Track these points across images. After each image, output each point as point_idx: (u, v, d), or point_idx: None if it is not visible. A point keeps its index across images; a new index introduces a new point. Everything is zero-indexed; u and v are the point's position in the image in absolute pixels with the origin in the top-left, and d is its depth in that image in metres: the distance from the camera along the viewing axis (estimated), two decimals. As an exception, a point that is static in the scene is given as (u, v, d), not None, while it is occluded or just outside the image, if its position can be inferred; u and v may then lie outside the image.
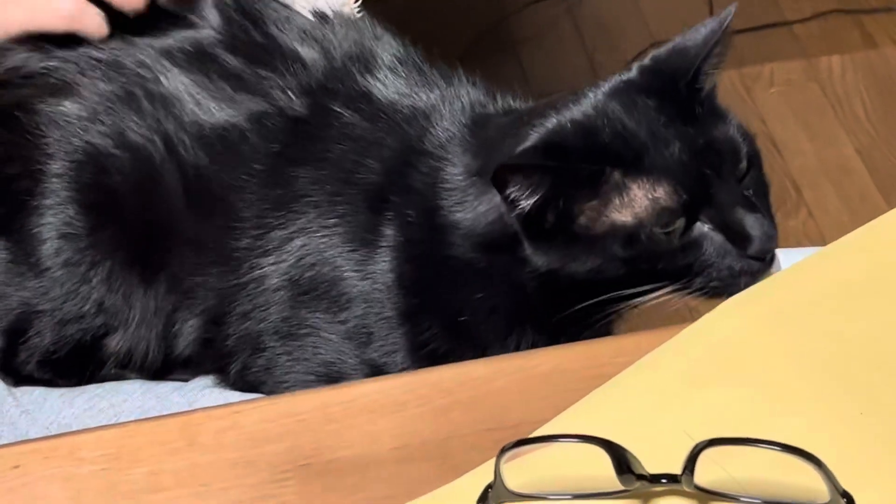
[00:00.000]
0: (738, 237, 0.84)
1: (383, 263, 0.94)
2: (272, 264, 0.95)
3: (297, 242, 0.95)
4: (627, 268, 0.86)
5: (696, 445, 0.63)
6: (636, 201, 0.85)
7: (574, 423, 0.71)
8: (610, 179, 0.85)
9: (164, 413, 0.94)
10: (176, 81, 0.97)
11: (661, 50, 0.92)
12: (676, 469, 0.64)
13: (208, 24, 1.00)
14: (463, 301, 0.93)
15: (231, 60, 0.98)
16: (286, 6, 1.04)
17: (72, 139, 0.97)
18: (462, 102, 0.98)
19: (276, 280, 0.95)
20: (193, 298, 0.98)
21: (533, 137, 0.88)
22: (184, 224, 0.97)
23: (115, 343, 1.00)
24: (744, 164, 0.87)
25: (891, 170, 2.23)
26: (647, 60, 0.92)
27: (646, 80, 0.90)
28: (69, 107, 0.97)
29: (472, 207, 0.91)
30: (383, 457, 0.74)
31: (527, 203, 0.85)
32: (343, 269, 0.94)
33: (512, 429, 0.73)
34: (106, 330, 1.00)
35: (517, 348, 0.93)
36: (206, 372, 1.01)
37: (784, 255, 0.79)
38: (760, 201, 0.87)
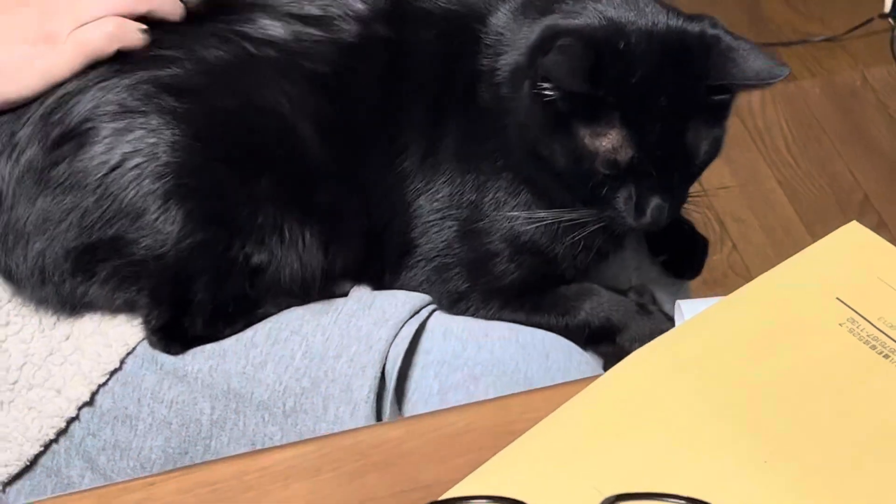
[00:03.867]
0: (638, 210, 1.01)
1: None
2: (420, 188, 1.07)
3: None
4: (567, 165, 1.01)
5: (604, 501, 0.64)
6: (605, 139, 0.99)
7: (486, 482, 0.71)
8: (612, 114, 0.98)
9: (354, 319, 1.03)
10: (273, 47, 1.03)
11: (725, 40, 1.00)
12: (586, 525, 0.65)
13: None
14: (519, 160, 1.06)
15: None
16: None
17: (198, 105, 1.00)
18: None
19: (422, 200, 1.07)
20: (345, 226, 1.05)
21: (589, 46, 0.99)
22: (325, 163, 1.03)
23: (268, 279, 1.03)
24: (694, 171, 1.04)
25: (813, 201, 2.27)
26: (709, 29, 1.01)
27: (694, 48, 1.00)
28: (182, 76, 1.00)
29: (506, 53, 1.05)
30: (299, 523, 0.74)
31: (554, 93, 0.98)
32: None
33: (426, 489, 0.73)
34: (260, 270, 1.03)
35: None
36: (361, 281, 1.10)
37: (686, 306, 0.81)
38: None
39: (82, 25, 1.00)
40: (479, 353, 1.03)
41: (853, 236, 0.82)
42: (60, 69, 1.00)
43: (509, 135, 1.05)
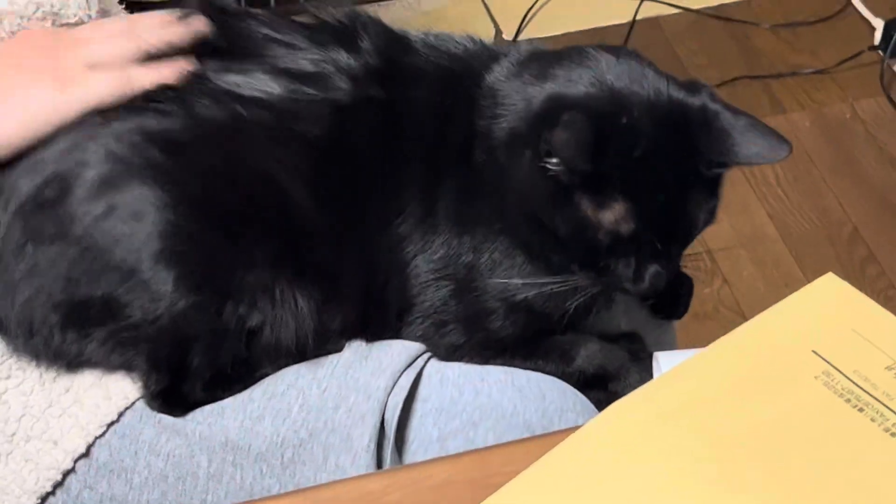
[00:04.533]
0: (638, 277, 1.02)
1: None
2: (417, 250, 1.07)
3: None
4: (567, 234, 1.01)
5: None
6: (609, 212, 0.99)
7: (464, 536, 0.72)
8: (613, 187, 0.98)
9: (351, 371, 1.03)
10: (266, 109, 1.03)
11: (724, 116, 1.00)
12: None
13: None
14: (515, 224, 1.06)
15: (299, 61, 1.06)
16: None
17: (186, 163, 1.00)
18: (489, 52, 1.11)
19: (416, 258, 1.08)
20: (341, 287, 1.05)
21: (592, 123, 0.97)
22: (319, 224, 1.03)
23: (263, 341, 1.03)
24: (691, 239, 1.05)
25: (803, 234, 2.28)
26: (710, 106, 1.01)
27: (695, 123, 1.00)
28: (173, 131, 1.00)
29: (504, 116, 1.05)
30: (280, 576, 0.75)
31: (559, 168, 0.98)
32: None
33: (407, 542, 0.74)
34: (256, 333, 1.03)
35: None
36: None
37: (664, 358, 0.81)
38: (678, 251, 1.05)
39: (94, 71, 1.01)
40: (477, 399, 1.03)
41: (829, 288, 0.83)
42: (67, 114, 1.00)
43: (506, 198, 1.05)
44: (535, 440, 0.80)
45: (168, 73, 1.02)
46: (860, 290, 0.82)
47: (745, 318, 0.82)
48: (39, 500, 1.02)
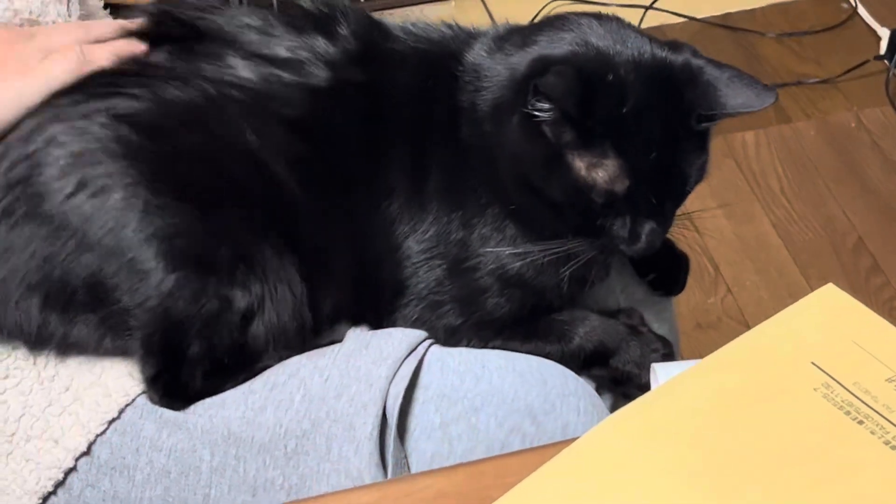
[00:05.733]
0: (634, 235, 1.02)
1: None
2: (407, 231, 1.08)
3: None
4: (562, 197, 1.02)
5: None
6: (602, 170, 0.99)
7: (458, 550, 0.71)
8: (604, 143, 0.98)
9: (352, 360, 1.03)
10: (239, 90, 1.03)
11: (708, 69, 1.02)
12: None
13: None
14: (503, 190, 1.06)
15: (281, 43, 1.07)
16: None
17: (156, 140, 0.99)
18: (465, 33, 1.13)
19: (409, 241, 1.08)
20: (331, 267, 1.06)
21: (576, 74, 0.98)
22: (304, 203, 1.03)
23: (259, 326, 1.03)
24: (684, 196, 1.05)
25: (807, 243, 2.27)
26: (693, 61, 1.02)
27: (680, 78, 1.01)
28: (141, 110, 1.00)
29: (488, 88, 1.06)
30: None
31: (547, 115, 0.99)
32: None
33: (399, 555, 0.73)
34: (249, 315, 1.02)
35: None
36: (359, 324, 1.09)
37: (662, 370, 0.80)
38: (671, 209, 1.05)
39: (50, 56, 1.02)
40: (478, 385, 1.03)
41: (829, 299, 0.82)
42: (31, 99, 1.01)
43: (495, 169, 1.05)
44: (529, 452, 0.79)
45: (122, 47, 1.03)
46: (864, 300, 0.81)
47: (749, 328, 0.81)
48: (41, 500, 1.02)
